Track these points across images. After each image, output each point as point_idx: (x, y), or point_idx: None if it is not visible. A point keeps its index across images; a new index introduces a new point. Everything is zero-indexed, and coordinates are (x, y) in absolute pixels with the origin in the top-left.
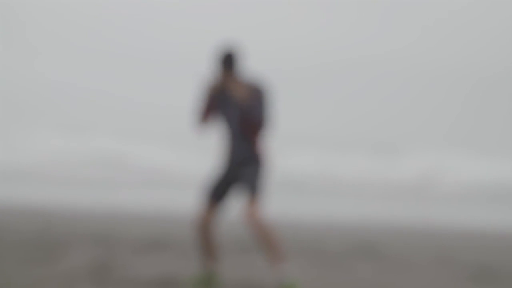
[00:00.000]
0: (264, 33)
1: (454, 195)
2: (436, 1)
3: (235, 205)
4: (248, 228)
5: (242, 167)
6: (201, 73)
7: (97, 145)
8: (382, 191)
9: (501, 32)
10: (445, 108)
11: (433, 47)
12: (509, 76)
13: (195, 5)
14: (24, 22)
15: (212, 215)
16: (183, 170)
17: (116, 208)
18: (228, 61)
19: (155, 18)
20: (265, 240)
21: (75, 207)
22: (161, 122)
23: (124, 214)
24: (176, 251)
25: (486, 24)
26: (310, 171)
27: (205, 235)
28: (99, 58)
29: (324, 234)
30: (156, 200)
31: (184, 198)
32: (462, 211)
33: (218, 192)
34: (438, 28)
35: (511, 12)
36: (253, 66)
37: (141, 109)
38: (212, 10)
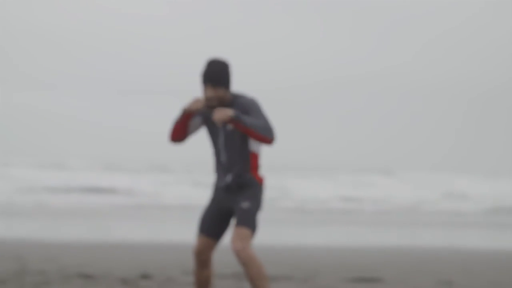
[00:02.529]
0: (260, 52)
1: (451, 219)
2: (432, 19)
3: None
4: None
5: (232, 194)
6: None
7: (76, 173)
8: (379, 216)
9: (497, 48)
10: (443, 127)
11: (430, 64)
12: (505, 91)
13: (190, 26)
14: None
15: (205, 250)
16: (170, 198)
17: (100, 239)
18: (214, 77)
19: (136, 41)
20: (251, 278)
21: (53, 241)
22: (144, 148)
23: (109, 245)
24: (165, 283)
25: (482, 40)
26: (306, 197)
27: (199, 271)
28: (80, 84)
29: (321, 260)
30: (142, 229)
31: (172, 227)
32: (461, 235)
33: (208, 224)
34: (435, 45)
35: (506, 29)
36: (250, 85)
37: (122, 135)
38: (201, 33)
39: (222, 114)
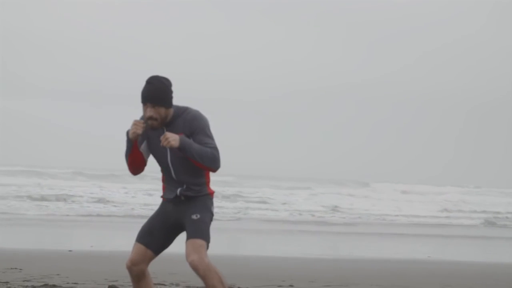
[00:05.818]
0: (253, 60)
1: (434, 231)
2: (431, 32)
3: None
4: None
5: (180, 206)
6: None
7: (47, 181)
8: (357, 227)
9: (494, 61)
10: (436, 139)
11: (424, 75)
12: (502, 104)
13: (178, 34)
14: None
15: (139, 261)
16: (142, 207)
17: (67, 248)
18: (154, 96)
19: (124, 48)
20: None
21: (17, 250)
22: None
23: (76, 254)
24: None
25: (479, 53)
26: (286, 208)
27: (135, 285)
28: (67, 89)
29: (296, 272)
30: (112, 239)
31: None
32: (443, 247)
33: (149, 234)
34: (431, 57)
35: (504, 42)
36: (243, 92)
37: (102, 142)
38: (187, 41)
39: (169, 142)
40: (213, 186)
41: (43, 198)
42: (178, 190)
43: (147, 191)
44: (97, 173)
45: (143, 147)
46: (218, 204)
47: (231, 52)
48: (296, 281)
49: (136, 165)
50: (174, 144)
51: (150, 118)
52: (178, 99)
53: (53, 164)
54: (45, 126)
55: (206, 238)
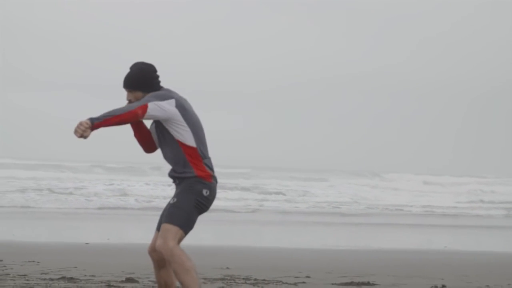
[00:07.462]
0: (256, 51)
1: (444, 221)
2: (428, 19)
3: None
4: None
5: (176, 189)
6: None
7: (63, 174)
8: (370, 218)
9: (495, 48)
10: (439, 129)
11: (426, 64)
12: (504, 92)
13: (181, 25)
14: None
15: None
16: (160, 200)
17: (84, 241)
18: (128, 82)
19: (125, 38)
20: (175, 273)
21: (34, 243)
22: (138, 149)
23: (93, 248)
24: (152, 286)
25: (480, 40)
26: (298, 199)
27: (156, 272)
28: (72, 83)
29: (311, 264)
30: (128, 232)
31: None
32: (455, 237)
33: (160, 221)
34: (431, 45)
35: (505, 29)
36: (246, 84)
37: (116, 135)
38: (190, 31)
39: (77, 129)
40: (229, 179)
41: (62, 192)
42: (168, 172)
43: (167, 182)
44: (115, 165)
45: (152, 129)
46: (235, 197)
47: (233, 43)
48: (313, 272)
49: (142, 143)
50: (83, 125)
51: (129, 102)
52: (184, 93)
53: (67, 158)
54: (52, 121)
55: (177, 222)
